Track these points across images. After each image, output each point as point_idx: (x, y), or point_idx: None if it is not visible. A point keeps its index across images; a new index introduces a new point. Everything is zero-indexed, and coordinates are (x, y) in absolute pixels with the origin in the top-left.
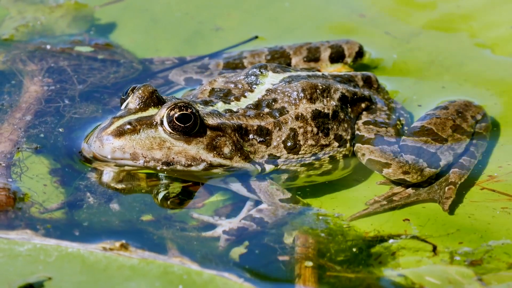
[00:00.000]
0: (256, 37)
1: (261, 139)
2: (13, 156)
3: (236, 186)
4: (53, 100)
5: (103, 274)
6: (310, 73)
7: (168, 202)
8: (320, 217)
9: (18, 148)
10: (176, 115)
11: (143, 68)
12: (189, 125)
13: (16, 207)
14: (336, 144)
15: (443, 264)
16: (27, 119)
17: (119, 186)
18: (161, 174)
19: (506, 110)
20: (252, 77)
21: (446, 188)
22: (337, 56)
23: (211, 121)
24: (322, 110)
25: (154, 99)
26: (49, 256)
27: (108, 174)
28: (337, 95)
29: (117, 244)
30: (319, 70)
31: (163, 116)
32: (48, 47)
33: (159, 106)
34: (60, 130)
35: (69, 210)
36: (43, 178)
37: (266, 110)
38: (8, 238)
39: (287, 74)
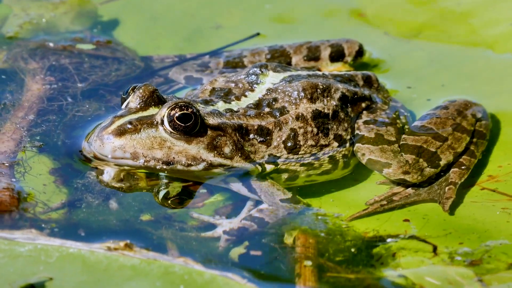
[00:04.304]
0: (258, 34)
1: (262, 139)
2: (16, 156)
3: (237, 186)
4: (55, 99)
5: (104, 274)
6: (311, 73)
7: (168, 201)
8: (320, 217)
9: (24, 147)
10: (176, 114)
11: (144, 66)
12: (189, 124)
13: (20, 207)
14: (335, 144)
15: (444, 264)
16: (30, 118)
17: (119, 185)
18: (161, 174)
19: (506, 109)
20: (253, 76)
21: (446, 188)
22: (337, 55)
23: (211, 120)
24: (322, 110)
25: (155, 99)
26: (50, 257)
27: (109, 174)
28: (337, 95)
29: (122, 243)
30: (319, 69)
31: (163, 116)
32: (51, 44)
33: (160, 106)
34: (59, 132)
35: (70, 209)
36: (46, 178)
37: (267, 109)
38: (12, 238)
39: (287, 74)
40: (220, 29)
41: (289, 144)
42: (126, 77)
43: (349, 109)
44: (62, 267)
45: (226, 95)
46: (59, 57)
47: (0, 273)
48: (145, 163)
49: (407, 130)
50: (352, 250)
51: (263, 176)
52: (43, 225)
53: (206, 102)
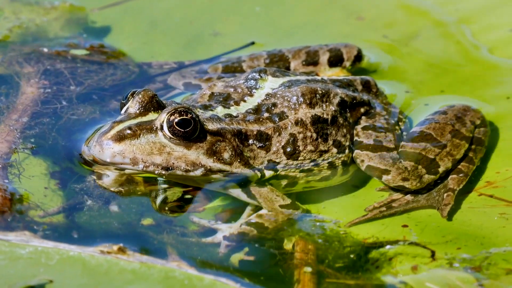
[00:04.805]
0: (253, 43)
1: (261, 144)
2: (9, 158)
3: (236, 192)
4: (50, 102)
5: (104, 277)
6: (310, 78)
7: (169, 206)
8: (319, 224)
9: (15, 148)
10: (176, 120)
11: (141, 72)
12: (189, 130)
13: (13, 209)
14: (335, 150)
15: (442, 270)
16: (24, 120)
17: (120, 189)
18: (160, 179)
19: (505, 115)
20: (252, 81)
21: (445, 194)
22: (335, 60)
23: (211, 126)
24: (321, 115)
25: (154, 104)
26: (50, 259)
27: (109, 178)
28: (336, 100)
29: (115, 247)
30: (317, 74)
31: (163, 121)
32: (45, 50)
33: (159, 111)
34: (54, 134)
35: (68, 212)
36: (42, 180)
37: (266, 115)
38: (7, 239)
39: (286, 79)
40: (218, 36)
41: (288, 149)
42: (122, 81)
43: (348, 114)
44: (62, 270)
45: (225, 100)
46: (54, 61)
47: (0, 275)
48: (144, 168)
49: (405, 136)
50: (352, 256)
51: (262, 182)
52: (35, 227)
53: (205, 107)
